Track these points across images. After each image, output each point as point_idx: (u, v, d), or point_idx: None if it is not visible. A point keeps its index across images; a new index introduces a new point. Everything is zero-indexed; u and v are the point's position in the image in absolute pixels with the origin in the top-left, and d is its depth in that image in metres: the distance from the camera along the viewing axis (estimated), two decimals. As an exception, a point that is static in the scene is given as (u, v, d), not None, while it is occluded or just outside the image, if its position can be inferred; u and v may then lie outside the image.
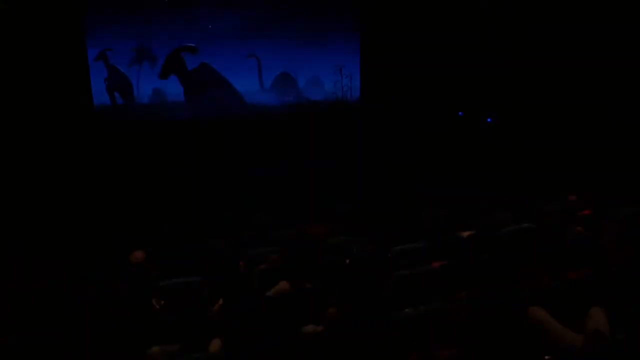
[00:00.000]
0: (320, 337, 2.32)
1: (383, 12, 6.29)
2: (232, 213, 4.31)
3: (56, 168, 5.06)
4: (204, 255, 3.43)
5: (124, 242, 3.69)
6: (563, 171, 4.80)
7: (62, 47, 5.22)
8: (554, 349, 2.07)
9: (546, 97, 5.22)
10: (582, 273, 2.95)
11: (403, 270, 3.04)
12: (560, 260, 3.19)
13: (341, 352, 2.20)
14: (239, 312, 2.48)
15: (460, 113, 6.28)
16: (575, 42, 4.82)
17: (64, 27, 5.20)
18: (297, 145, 6.17)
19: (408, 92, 6.46)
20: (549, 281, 2.84)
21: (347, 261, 3.01)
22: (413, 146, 6.19)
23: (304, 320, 2.44)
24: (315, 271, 2.95)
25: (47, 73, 5.19)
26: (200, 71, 5.94)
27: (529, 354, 2.20)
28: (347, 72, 6.43)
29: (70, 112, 5.38)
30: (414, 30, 6.31)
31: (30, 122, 5.18)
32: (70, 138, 5.37)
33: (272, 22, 6.04)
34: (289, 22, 6.10)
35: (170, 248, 3.56)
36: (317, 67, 6.33)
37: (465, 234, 3.54)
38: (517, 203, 4.44)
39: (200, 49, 5.88)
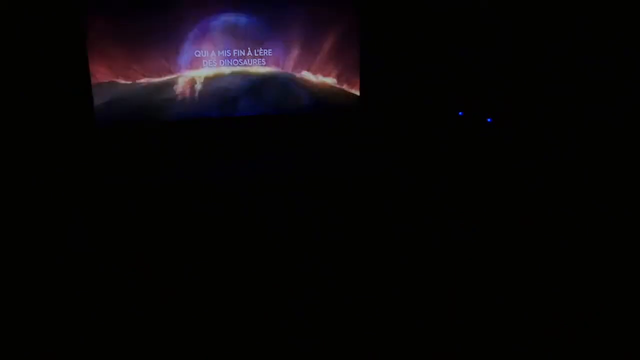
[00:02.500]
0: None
1: (382, 12, 6.30)
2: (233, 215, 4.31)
3: (54, 168, 5.07)
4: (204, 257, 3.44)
5: (123, 243, 3.70)
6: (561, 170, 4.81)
7: (62, 45, 5.23)
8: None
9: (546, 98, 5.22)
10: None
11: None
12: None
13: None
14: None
15: (460, 113, 6.28)
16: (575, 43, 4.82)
17: (63, 26, 5.21)
18: (297, 146, 6.19)
19: (408, 92, 6.47)
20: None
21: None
22: (413, 145, 6.19)
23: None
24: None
25: (45, 72, 5.21)
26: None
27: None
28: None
29: (69, 112, 5.39)
30: (414, 29, 6.32)
31: (28, 122, 5.19)
32: (68, 138, 5.39)
33: (271, 23, 6.05)
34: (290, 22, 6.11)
35: (170, 250, 3.57)
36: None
37: (464, 233, 3.55)
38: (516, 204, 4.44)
39: (199, 47, 5.89)
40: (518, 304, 2.73)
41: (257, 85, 6.17)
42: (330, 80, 6.40)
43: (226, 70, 6.03)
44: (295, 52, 6.19)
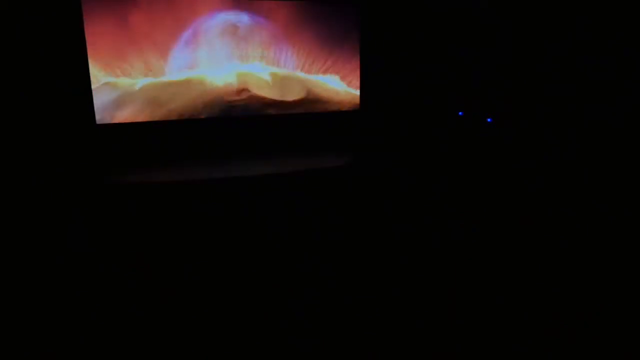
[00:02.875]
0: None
1: (382, 12, 6.31)
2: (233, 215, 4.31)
3: (54, 168, 5.07)
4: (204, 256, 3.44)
5: (123, 243, 3.70)
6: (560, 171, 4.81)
7: (62, 45, 5.23)
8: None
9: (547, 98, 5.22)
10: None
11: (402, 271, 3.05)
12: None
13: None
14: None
15: (460, 113, 6.28)
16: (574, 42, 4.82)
17: (63, 26, 5.21)
18: (297, 146, 6.19)
19: (408, 92, 6.47)
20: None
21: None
22: (413, 145, 6.20)
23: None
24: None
25: (45, 73, 5.20)
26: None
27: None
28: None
29: (69, 111, 5.39)
30: (414, 29, 6.32)
31: (28, 122, 5.19)
32: (68, 138, 5.38)
33: (272, 23, 6.06)
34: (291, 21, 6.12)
35: (170, 250, 3.57)
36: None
37: (464, 233, 3.55)
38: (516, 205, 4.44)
39: (200, 46, 5.89)
40: (518, 304, 2.73)
41: (257, 84, 6.17)
42: (330, 80, 6.41)
43: (226, 69, 6.03)
44: (295, 52, 6.20)
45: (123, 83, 5.66)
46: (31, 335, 2.45)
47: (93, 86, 5.50)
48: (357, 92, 6.49)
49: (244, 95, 6.16)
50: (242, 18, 5.98)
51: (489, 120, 5.89)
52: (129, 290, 2.92)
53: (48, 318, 2.61)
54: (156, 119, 5.83)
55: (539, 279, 3.04)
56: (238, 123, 6.14)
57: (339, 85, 6.45)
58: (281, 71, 6.21)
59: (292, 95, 6.31)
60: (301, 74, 6.28)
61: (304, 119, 6.35)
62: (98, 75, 5.52)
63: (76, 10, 5.26)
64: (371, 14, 6.30)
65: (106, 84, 5.58)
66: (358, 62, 6.42)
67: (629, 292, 2.86)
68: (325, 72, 6.36)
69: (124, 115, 5.71)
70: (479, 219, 4.07)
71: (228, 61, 6.01)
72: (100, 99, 5.58)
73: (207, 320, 2.60)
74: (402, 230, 3.83)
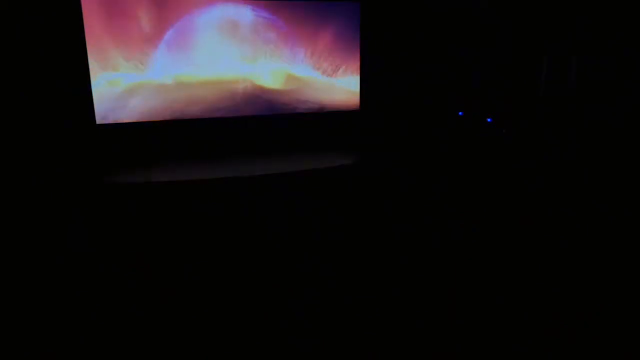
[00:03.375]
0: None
1: (382, 12, 6.31)
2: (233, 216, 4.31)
3: (54, 168, 5.07)
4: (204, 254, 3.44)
5: (123, 243, 3.69)
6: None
7: (62, 45, 5.23)
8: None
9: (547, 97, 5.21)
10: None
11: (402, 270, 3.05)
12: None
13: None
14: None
15: (460, 113, 6.28)
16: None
17: (63, 26, 5.21)
18: (297, 146, 6.19)
19: (408, 92, 6.47)
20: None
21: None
22: (413, 145, 6.20)
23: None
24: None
25: (45, 72, 5.21)
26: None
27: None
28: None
29: (69, 111, 5.39)
30: (414, 29, 6.33)
31: (28, 122, 5.19)
32: (68, 137, 5.38)
33: (271, 21, 6.06)
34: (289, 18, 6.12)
35: (170, 250, 3.57)
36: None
37: (464, 233, 3.55)
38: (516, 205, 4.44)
39: (200, 45, 5.89)
40: (518, 304, 2.73)
41: (257, 83, 6.17)
42: (330, 80, 6.40)
43: (226, 67, 6.03)
44: (293, 51, 6.19)
45: (123, 83, 5.66)
46: (31, 335, 2.45)
47: (93, 86, 5.51)
48: (357, 92, 6.49)
49: (244, 95, 6.16)
50: (243, 15, 5.98)
51: (489, 120, 5.89)
52: (129, 290, 2.91)
53: (48, 318, 2.61)
54: (156, 118, 5.83)
55: (539, 279, 3.04)
56: (238, 123, 6.14)
57: (339, 85, 6.44)
58: (280, 66, 6.21)
59: (291, 94, 6.31)
60: (300, 73, 6.28)
61: (304, 119, 6.35)
62: (98, 75, 5.52)
63: (76, 10, 5.25)
64: (371, 14, 6.30)
65: (107, 83, 5.58)
66: (358, 62, 6.41)
67: (629, 292, 2.86)
68: (324, 71, 6.36)
69: (125, 115, 5.71)
70: (479, 219, 4.07)
71: (228, 58, 6.01)
72: (101, 99, 5.58)
73: (207, 320, 2.60)
74: (402, 230, 3.83)
